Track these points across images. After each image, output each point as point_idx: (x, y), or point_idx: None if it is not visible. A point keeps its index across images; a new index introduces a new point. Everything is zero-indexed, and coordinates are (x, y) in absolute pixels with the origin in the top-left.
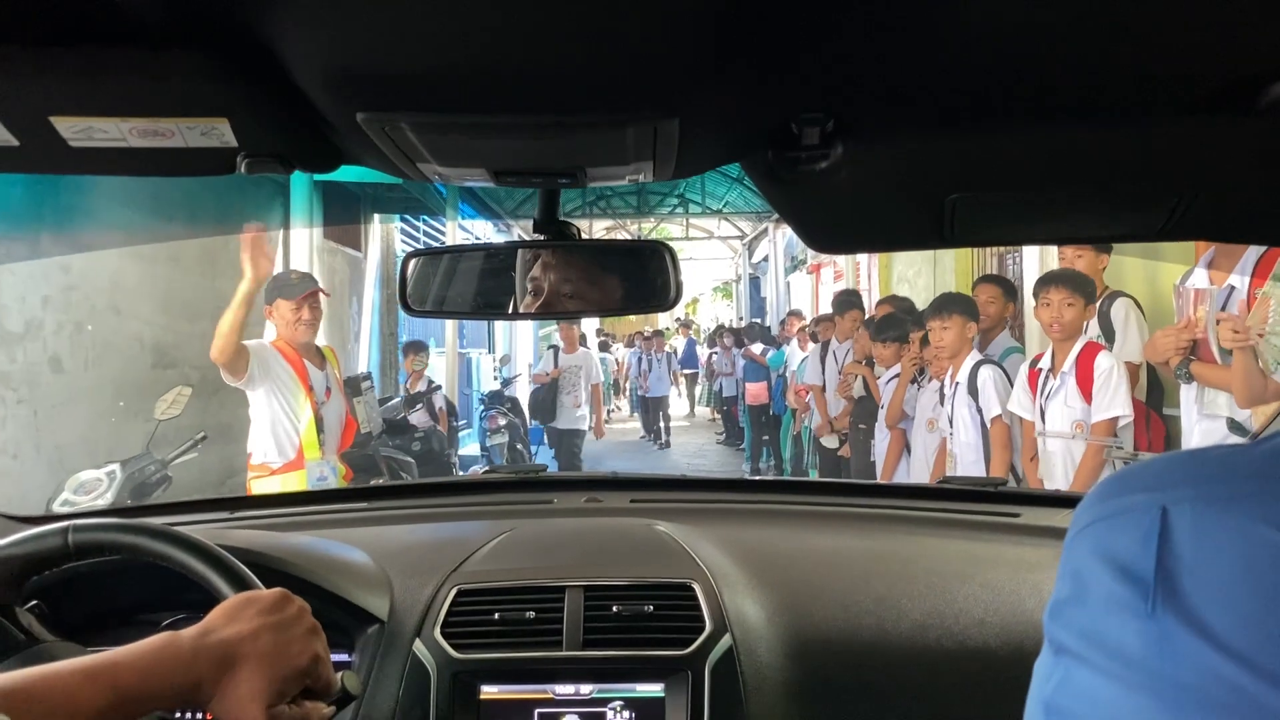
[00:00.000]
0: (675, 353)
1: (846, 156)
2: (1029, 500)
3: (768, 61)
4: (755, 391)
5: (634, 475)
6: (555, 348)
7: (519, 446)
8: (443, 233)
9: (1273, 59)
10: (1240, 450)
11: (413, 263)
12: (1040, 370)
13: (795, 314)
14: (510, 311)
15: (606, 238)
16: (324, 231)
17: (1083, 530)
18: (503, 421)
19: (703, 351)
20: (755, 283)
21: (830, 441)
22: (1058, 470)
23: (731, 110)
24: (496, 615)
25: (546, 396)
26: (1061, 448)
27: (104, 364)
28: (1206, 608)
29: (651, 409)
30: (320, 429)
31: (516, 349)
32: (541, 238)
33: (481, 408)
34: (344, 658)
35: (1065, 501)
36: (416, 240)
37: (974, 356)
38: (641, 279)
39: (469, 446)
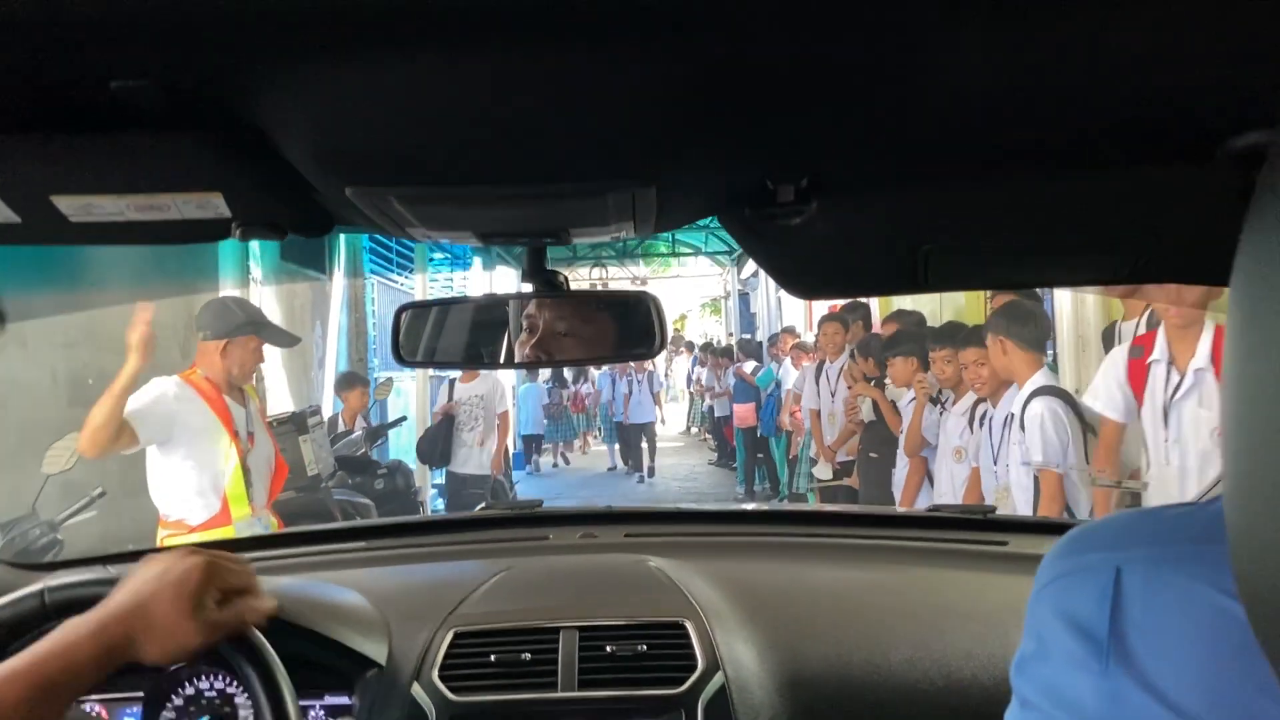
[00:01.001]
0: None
1: (821, 211)
2: (1017, 528)
3: (740, 130)
4: (743, 413)
5: (629, 509)
6: (451, 380)
7: (499, 476)
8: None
9: (1230, 112)
10: (1191, 511)
11: (405, 314)
12: (1151, 364)
13: (788, 331)
14: (504, 360)
15: (593, 289)
16: (281, 250)
17: (1044, 588)
18: None
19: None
20: (744, 299)
21: (823, 471)
22: (1173, 488)
23: (706, 175)
24: (493, 657)
25: (439, 435)
26: (1196, 463)
27: (4, 405)
28: (1156, 668)
29: (633, 437)
30: (247, 478)
31: (498, 372)
32: (530, 288)
33: None
34: (344, 700)
35: (1053, 529)
36: (389, 261)
37: (1035, 381)
38: (628, 327)
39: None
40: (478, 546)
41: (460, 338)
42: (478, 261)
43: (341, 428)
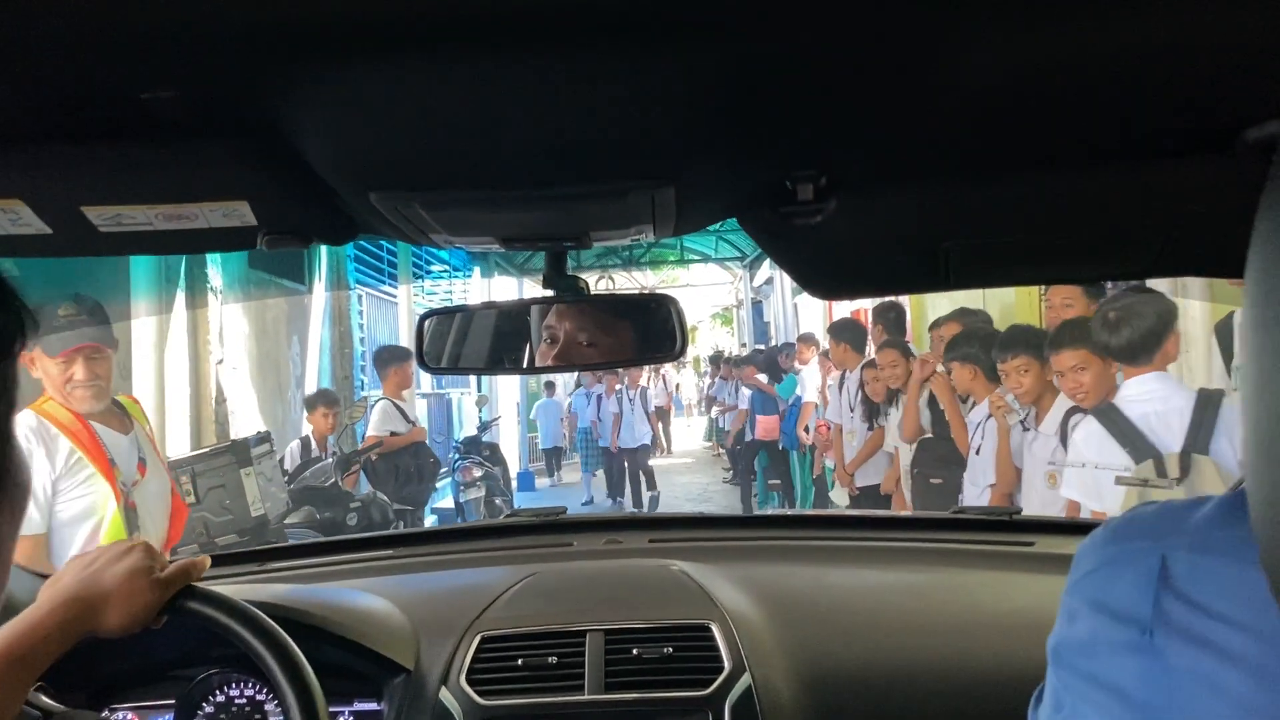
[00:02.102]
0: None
1: (840, 209)
2: (1043, 528)
3: (758, 129)
4: (768, 425)
5: (653, 515)
6: (390, 400)
7: (498, 501)
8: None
9: (1247, 104)
10: (1231, 500)
11: (428, 322)
12: None
13: (806, 339)
14: (525, 365)
15: (614, 292)
16: (250, 257)
17: (1084, 576)
18: (478, 473)
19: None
20: (758, 307)
21: (840, 497)
22: None
23: (725, 174)
24: (520, 661)
25: (394, 466)
26: None
27: None
28: (1204, 623)
29: (629, 465)
30: (132, 521)
31: (497, 388)
32: (551, 293)
33: (455, 456)
34: (373, 706)
35: (1079, 529)
36: (378, 270)
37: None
38: (649, 331)
39: (443, 500)
40: (503, 553)
41: (484, 343)
42: (475, 270)
43: (315, 452)
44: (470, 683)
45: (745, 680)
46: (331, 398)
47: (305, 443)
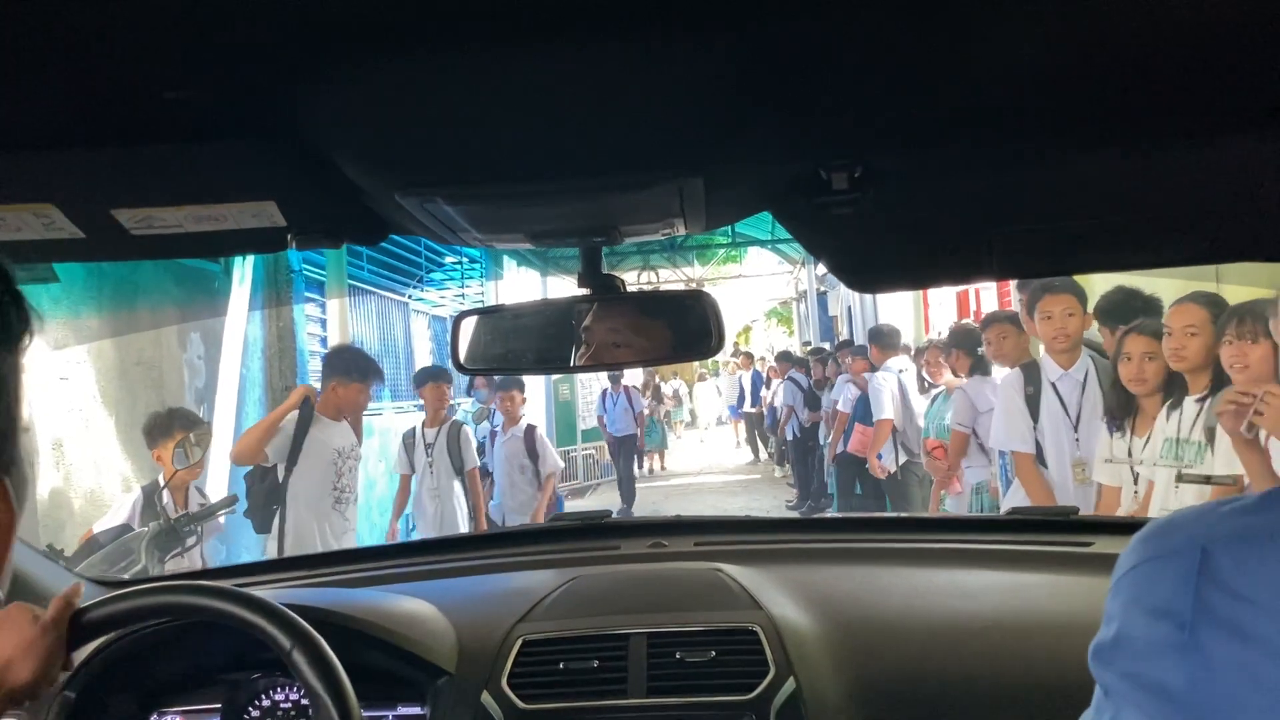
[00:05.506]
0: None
1: (879, 199)
2: (1102, 528)
3: (789, 116)
4: (866, 438)
5: (699, 518)
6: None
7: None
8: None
9: None
10: (1276, 490)
11: (464, 322)
12: None
13: (848, 348)
14: (559, 365)
15: (649, 289)
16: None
17: (1124, 575)
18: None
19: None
20: (822, 299)
21: None
22: None
23: (755, 164)
24: (561, 665)
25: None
26: None
27: None
28: (1245, 614)
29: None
30: None
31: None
32: (586, 292)
33: None
34: (415, 711)
35: (1139, 527)
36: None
37: None
38: (685, 327)
39: None
40: (547, 557)
41: (517, 344)
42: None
43: (169, 509)
44: (512, 686)
45: (791, 685)
46: (191, 419)
47: (149, 494)
